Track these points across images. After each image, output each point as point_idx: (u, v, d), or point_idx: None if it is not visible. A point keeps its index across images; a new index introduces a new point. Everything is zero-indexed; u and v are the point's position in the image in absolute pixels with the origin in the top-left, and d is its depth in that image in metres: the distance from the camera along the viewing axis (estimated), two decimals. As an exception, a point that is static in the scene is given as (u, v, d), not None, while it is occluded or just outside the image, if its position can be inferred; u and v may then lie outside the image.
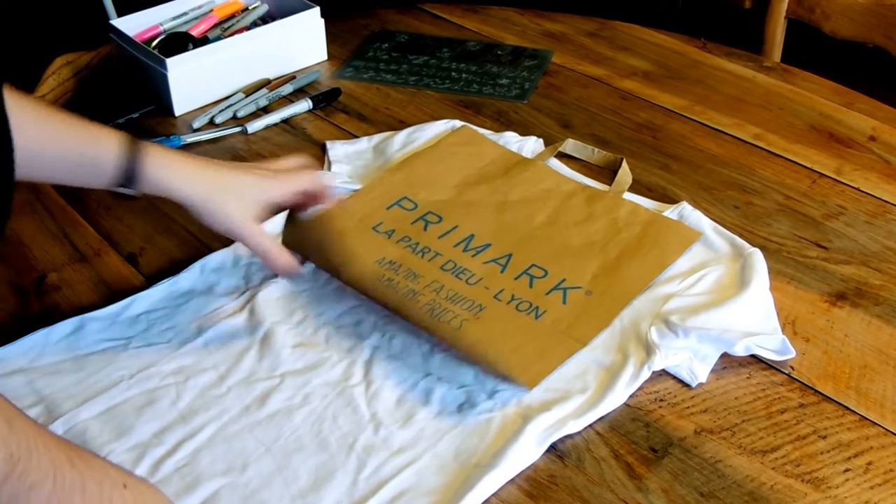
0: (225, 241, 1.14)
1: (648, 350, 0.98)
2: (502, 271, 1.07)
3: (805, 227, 1.18)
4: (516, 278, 1.06)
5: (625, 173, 1.24)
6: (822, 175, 1.27)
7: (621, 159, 1.25)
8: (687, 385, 0.96)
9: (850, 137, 1.34)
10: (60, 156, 0.94)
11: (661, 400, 0.95)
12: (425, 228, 1.14)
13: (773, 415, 0.93)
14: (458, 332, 0.99)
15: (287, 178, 1.03)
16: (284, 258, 1.01)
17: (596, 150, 1.28)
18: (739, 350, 0.98)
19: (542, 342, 0.98)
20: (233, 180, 0.99)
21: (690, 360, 0.97)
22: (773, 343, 0.98)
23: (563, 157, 1.29)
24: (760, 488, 0.86)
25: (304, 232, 1.11)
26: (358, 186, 1.23)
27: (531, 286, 1.05)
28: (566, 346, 0.98)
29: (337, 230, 1.11)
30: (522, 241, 1.12)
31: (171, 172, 0.96)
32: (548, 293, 1.04)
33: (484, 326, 1.00)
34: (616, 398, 0.93)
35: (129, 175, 0.95)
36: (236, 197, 0.98)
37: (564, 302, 1.03)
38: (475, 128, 1.34)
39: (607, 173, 1.26)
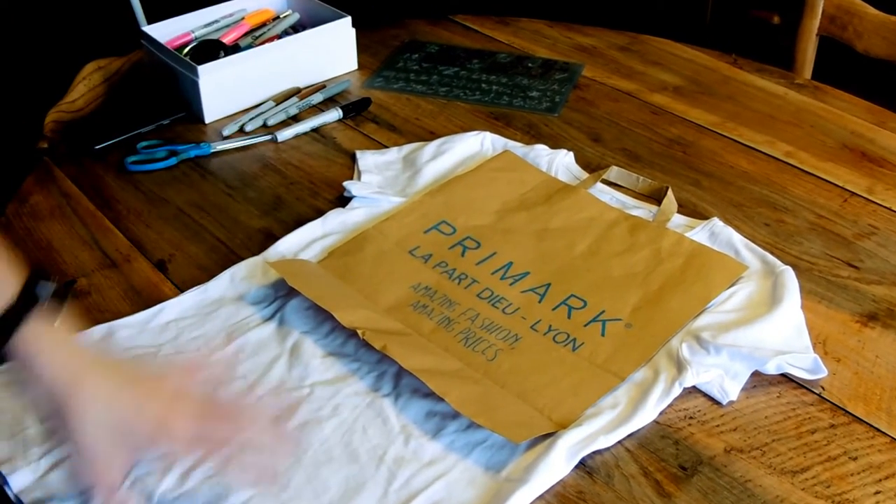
0: (254, 250, 1.15)
1: (680, 367, 0.97)
2: (540, 301, 1.06)
3: (836, 246, 1.17)
4: (554, 309, 1.05)
5: (670, 202, 1.21)
6: (853, 194, 1.26)
7: (667, 188, 1.22)
8: (717, 403, 0.95)
9: (882, 157, 1.34)
10: None
11: (691, 417, 0.94)
12: (463, 254, 1.13)
13: (804, 435, 0.92)
14: (491, 363, 0.98)
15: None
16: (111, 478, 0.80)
17: (641, 178, 1.26)
18: (771, 368, 0.97)
19: (578, 376, 0.97)
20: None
21: (721, 377, 0.96)
22: (804, 362, 0.98)
23: (606, 181, 1.28)
24: (791, 509, 0.85)
25: (339, 257, 1.11)
26: (387, 196, 1.23)
27: (569, 317, 1.04)
28: (603, 381, 0.96)
29: (373, 253, 1.11)
30: (562, 271, 1.10)
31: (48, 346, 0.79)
32: (586, 325, 1.02)
33: (519, 358, 0.99)
34: (646, 415, 0.93)
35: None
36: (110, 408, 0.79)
37: (603, 334, 1.01)
38: (516, 144, 1.34)
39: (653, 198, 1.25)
